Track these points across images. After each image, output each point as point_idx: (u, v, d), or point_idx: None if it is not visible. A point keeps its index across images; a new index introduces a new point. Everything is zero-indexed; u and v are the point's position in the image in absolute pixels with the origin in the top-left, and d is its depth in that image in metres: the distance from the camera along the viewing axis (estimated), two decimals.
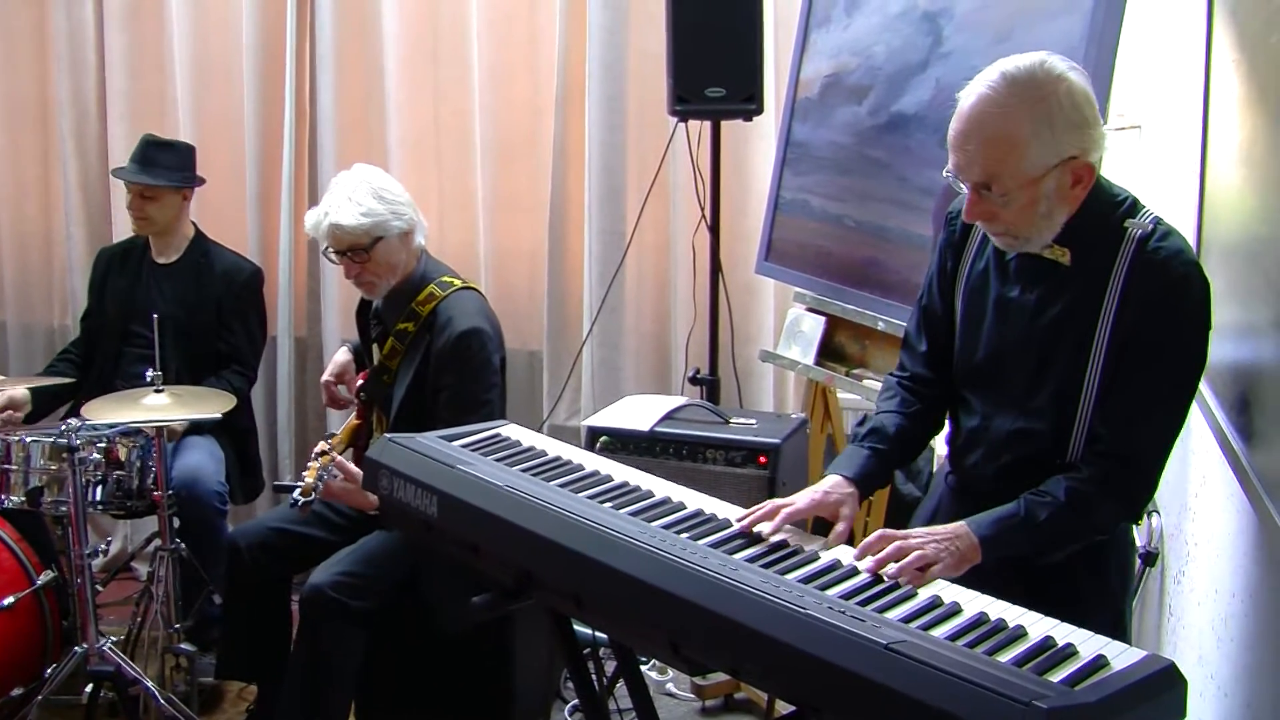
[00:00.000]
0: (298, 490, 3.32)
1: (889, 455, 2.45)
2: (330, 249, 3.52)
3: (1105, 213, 2.19)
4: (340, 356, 3.87)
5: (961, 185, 2.20)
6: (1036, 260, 2.25)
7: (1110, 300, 2.16)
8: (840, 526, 2.27)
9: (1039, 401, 2.26)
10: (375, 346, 3.67)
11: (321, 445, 3.47)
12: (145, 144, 4.44)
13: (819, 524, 2.34)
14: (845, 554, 2.10)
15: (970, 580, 2.05)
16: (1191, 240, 2.46)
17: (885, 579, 2.00)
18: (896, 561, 2.03)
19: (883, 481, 2.52)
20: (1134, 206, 2.20)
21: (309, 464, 3.40)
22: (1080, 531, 2.19)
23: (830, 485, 2.36)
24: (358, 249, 3.48)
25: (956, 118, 2.17)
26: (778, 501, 2.27)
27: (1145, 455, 2.18)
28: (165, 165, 4.40)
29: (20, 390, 4.20)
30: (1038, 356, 2.25)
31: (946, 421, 2.53)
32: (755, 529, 2.22)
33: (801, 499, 2.29)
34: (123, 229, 5.05)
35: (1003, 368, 2.32)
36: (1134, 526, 2.45)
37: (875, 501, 3.64)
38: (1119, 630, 2.32)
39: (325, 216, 3.47)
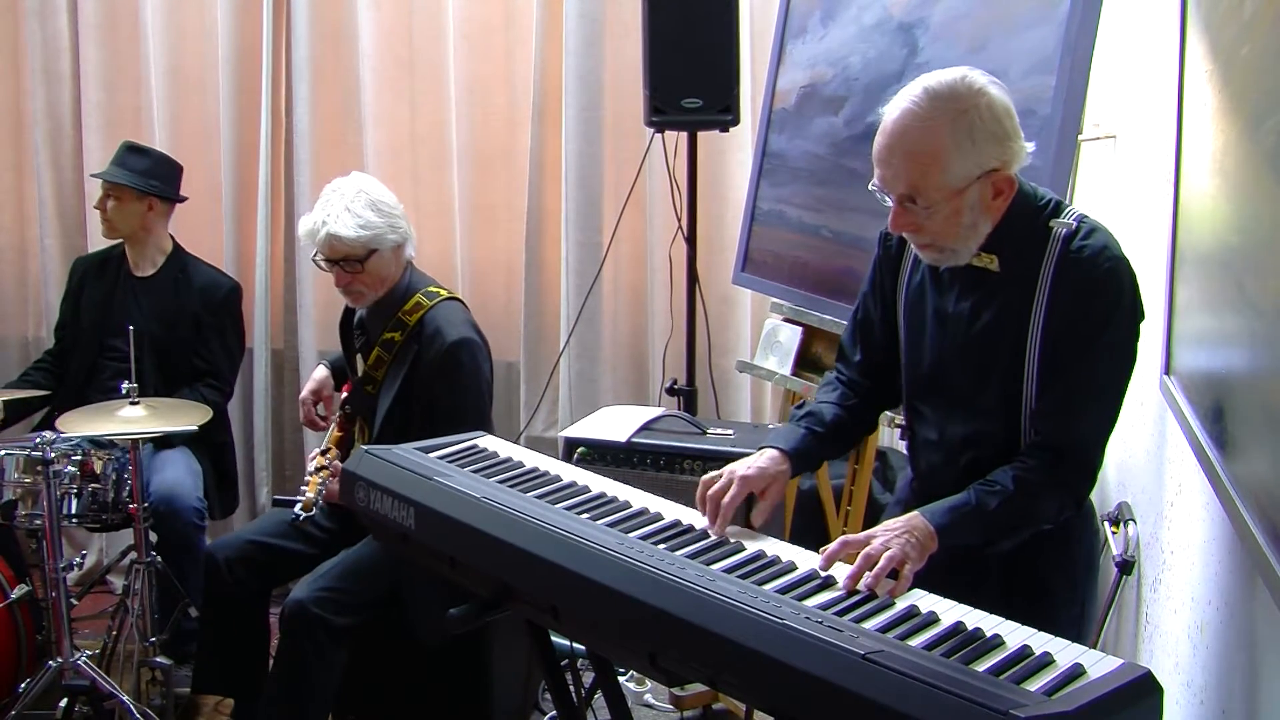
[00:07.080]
0: (299, 505, 3.33)
1: (824, 439, 2.49)
2: (321, 256, 3.49)
3: (1030, 216, 2.24)
4: (318, 373, 3.86)
5: (887, 199, 2.23)
6: (967, 269, 2.30)
7: (1040, 301, 2.21)
8: (769, 500, 2.33)
9: (987, 404, 2.31)
10: (359, 357, 3.65)
11: (319, 460, 3.47)
12: (122, 148, 4.45)
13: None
14: (812, 560, 2.10)
15: (944, 575, 2.08)
16: (1166, 249, 2.48)
17: (862, 589, 2.00)
18: (869, 570, 2.02)
19: (814, 464, 2.58)
20: (1058, 207, 2.25)
21: (308, 477, 3.42)
22: (1028, 520, 2.23)
23: (766, 460, 2.38)
24: (351, 260, 3.45)
25: (880, 132, 2.21)
26: (713, 495, 2.30)
27: (1083, 447, 2.24)
28: (132, 168, 4.37)
29: None
30: (978, 362, 2.30)
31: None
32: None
33: (736, 485, 2.30)
34: (97, 240, 5.03)
35: (948, 376, 2.37)
36: (1106, 526, 2.47)
37: (853, 511, 3.64)
38: (1085, 620, 2.39)
39: (323, 226, 3.42)
